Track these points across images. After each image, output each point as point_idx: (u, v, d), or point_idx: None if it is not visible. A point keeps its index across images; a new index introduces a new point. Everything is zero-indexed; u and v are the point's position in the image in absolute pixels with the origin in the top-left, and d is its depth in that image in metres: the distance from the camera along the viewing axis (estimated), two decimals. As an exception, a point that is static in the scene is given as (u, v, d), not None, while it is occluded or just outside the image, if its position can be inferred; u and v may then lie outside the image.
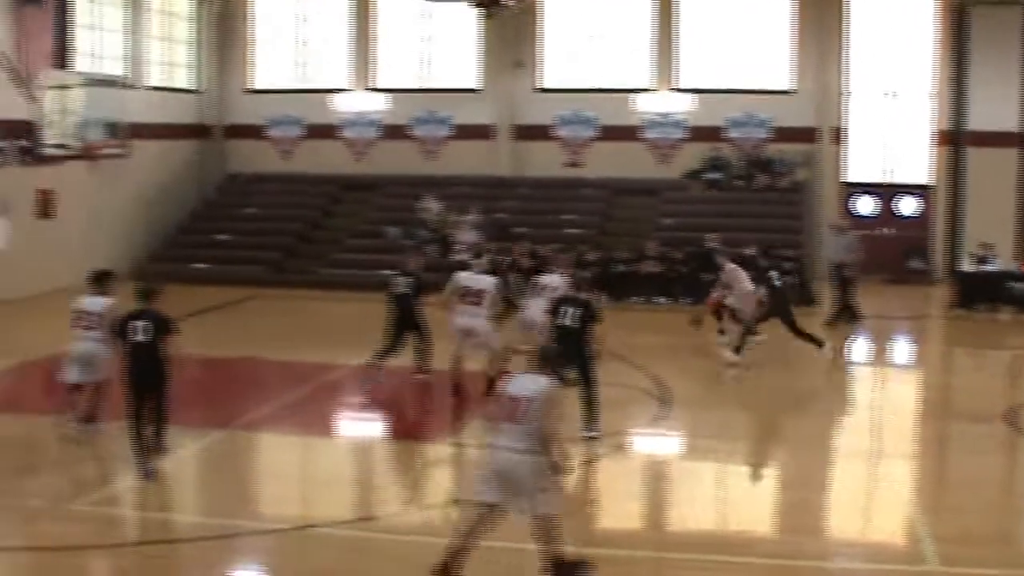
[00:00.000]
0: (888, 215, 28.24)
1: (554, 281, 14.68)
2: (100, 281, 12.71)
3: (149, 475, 11.18)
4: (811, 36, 27.92)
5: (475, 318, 14.54)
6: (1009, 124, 26.94)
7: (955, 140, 27.47)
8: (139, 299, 11.54)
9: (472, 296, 14.61)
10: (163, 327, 11.29)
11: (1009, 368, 19.06)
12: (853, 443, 13.74)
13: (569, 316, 12.50)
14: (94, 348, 12.28)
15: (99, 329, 12.19)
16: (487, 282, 14.87)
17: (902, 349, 21.29)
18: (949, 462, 13.45)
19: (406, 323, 15.11)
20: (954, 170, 27.52)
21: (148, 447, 11.32)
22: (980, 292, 22.84)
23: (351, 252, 26.80)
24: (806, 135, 27.97)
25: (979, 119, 27.09)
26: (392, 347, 15.13)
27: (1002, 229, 26.04)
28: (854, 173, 28.44)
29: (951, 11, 27.25)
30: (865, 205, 28.45)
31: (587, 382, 12.58)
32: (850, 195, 28.42)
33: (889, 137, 28.28)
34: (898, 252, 27.29)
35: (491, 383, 13.57)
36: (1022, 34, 26.85)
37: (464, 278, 14.91)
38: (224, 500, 11.05)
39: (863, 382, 18.28)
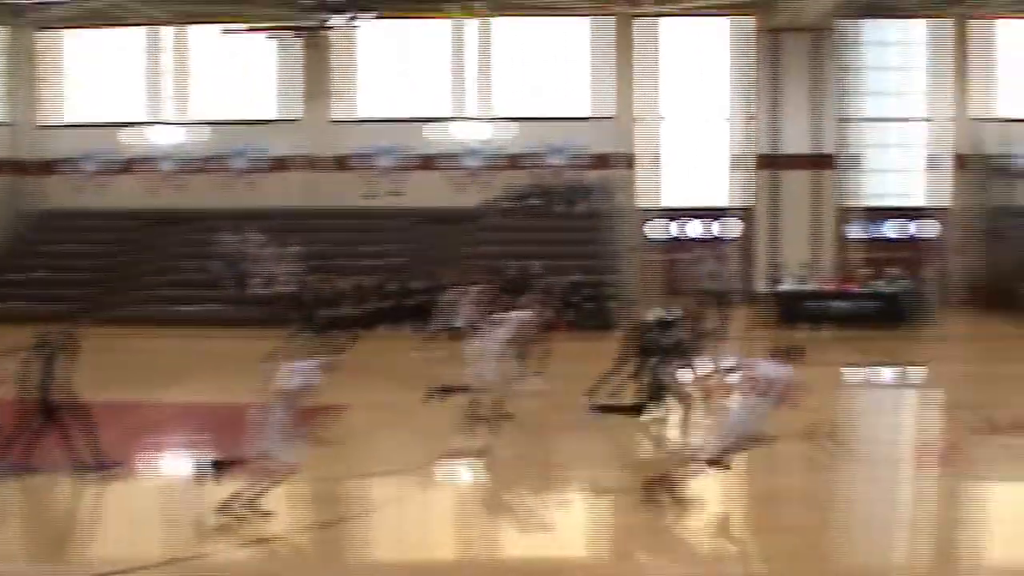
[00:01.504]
0: (691, 239, 29.88)
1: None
2: None
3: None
4: (613, 64, 29.41)
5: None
6: (814, 146, 28.72)
7: (763, 163, 29.30)
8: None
9: None
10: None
11: (819, 385, 19.99)
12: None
13: None
14: None
15: None
16: None
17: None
18: (753, 479, 13.94)
19: None
20: (763, 192, 28.96)
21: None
22: (797, 311, 24.40)
23: (169, 287, 26.89)
24: (612, 162, 29.28)
25: (786, 142, 28.88)
26: None
27: (813, 248, 27.59)
28: (658, 198, 29.96)
29: (758, 37, 29.01)
30: (670, 230, 29.87)
31: None
32: (657, 219, 29.87)
33: (691, 162, 29.88)
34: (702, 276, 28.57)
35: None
36: (824, 58, 28.41)
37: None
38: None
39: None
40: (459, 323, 19.37)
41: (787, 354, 11.58)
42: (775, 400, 11.02)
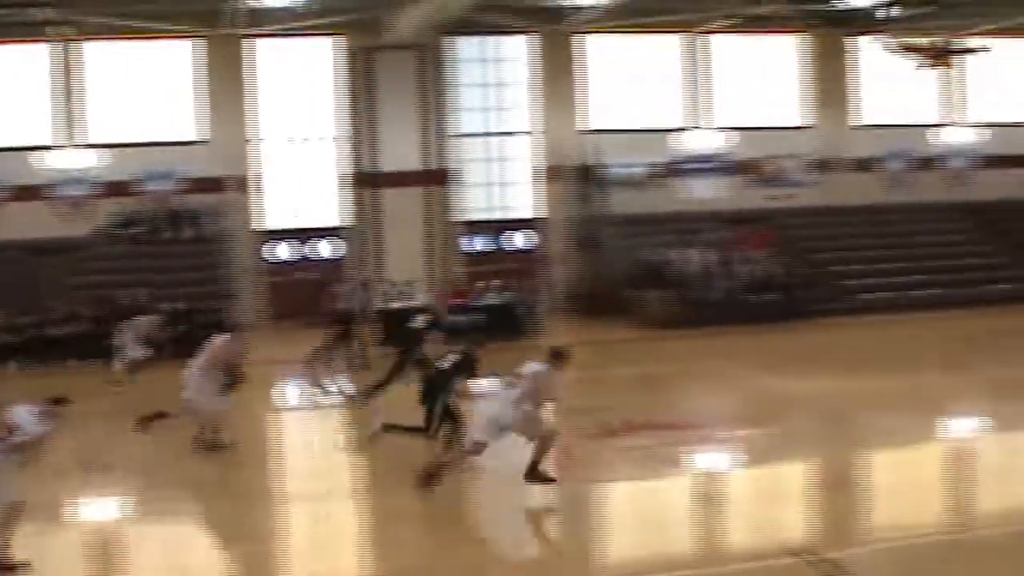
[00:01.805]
0: (305, 259, 30.21)
1: None
2: None
3: None
4: (216, 87, 29.18)
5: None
6: (415, 163, 29.50)
7: (366, 181, 29.65)
8: None
9: None
10: None
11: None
12: (300, 488, 14.43)
13: None
14: None
15: None
16: None
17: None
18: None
19: None
20: (367, 211, 29.58)
21: None
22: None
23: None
24: (219, 184, 29.27)
25: (387, 160, 29.49)
26: None
27: (424, 264, 28.52)
28: (270, 220, 30.01)
29: (353, 56, 29.31)
30: (282, 251, 29.97)
31: None
32: (267, 241, 29.83)
33: (301, 182, 30.16)
34: (318, 296, 28.72)
35: None
36: (420, 76, 29.44)
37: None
38: None
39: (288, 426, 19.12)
40: (134, 354, 20.54)
41: (554, 357, 12.69)
42: (532, 399, 12.47)
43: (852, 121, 33.69)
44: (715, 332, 25.98)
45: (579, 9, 27.97)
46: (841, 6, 28.33)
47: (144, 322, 21.41)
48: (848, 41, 33.12)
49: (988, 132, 34.49)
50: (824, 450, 15.92)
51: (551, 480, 12.79)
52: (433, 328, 17.99)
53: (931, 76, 32.00)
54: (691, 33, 32.08)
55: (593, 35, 31.32)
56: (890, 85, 33.17)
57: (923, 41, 28.99)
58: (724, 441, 16.19)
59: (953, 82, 34.14)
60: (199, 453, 15.09)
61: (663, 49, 32.23)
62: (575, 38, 31.33)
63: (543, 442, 12.63)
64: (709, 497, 13.54)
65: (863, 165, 33.67)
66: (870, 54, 31.44)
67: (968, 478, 14.52)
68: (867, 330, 26.46)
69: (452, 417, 14.11)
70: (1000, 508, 12.57)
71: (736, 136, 32.46)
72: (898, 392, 19.19)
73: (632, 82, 31.96)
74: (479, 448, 12.66)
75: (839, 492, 13.59)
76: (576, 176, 31.22)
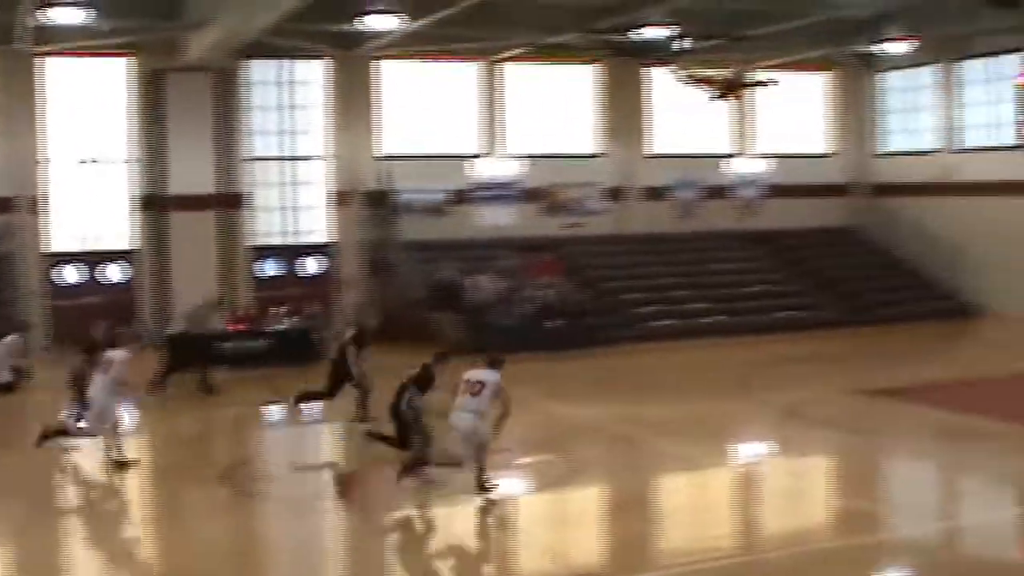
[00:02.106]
0: (94, 283, 30.18)
1: None
2: None
3: None
4: (4, 104, 29.14)
5: None
6: (207, 187, 29.74)
7: (156, 205, 29.94)
8: None
9: None
10: None
11: (232, 426, 21.03)
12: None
13: None
14: None
15: None
16: None
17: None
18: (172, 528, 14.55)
19: None
20: (157, 234, 29.64)
21: None
22: (191, 355, 24.26)
23: None
24: (7, 205, 29.26)
25: (178, 183, 29.71)
26: None
27: (215, 288, 29.02)
28: (56, 242, 29.92)
29: (145, 77, 29.67)
30: (70, 274, 29.98)
31: None
32: (55, 264, 30.00)
33: (91, 204, 30.21)
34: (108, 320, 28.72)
35: None
36: (213, 98, 29.62)
37: None
38: None
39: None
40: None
41: (492, 362, 14.92)
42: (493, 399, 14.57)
43: (645, 150, 35.47)
44: (507, 359, 26.67)
45: (375, 35, 28.65)
46: (635, 37, 29.55)
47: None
48: (642, 71, 34.83)
49: (775, 163, 36.72)
50: (614, 476, 17.02)
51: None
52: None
53: (722, 107, 33.91)
54: (487, 61, 33.33)
55: (389, 61, 32.26)
56: (682, 115, 35.15)
57: (714, 73, 30.64)
58: (517, 467, 16.89)
59: (743, 114, 36.23)
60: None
61: (459, 76, 33.44)
62: (371, 63, 32.20)
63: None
64: (502, 522, 14.36)
65: (655, 194, 35.43)
66: (663, 84, 33.27)
67: (753, 501, 15.89)
68: (657, 357, 27.69)
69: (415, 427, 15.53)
70: (784, 530, 13.98)
71: (530, 164, 33.88)
72: (685, 418, 20.59)
73: (427, 108, 33.10)
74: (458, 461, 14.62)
75: (630, 517, 14.59)
76: (369, 201, 32.15)
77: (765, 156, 36.92)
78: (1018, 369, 24.92)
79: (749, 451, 18.89)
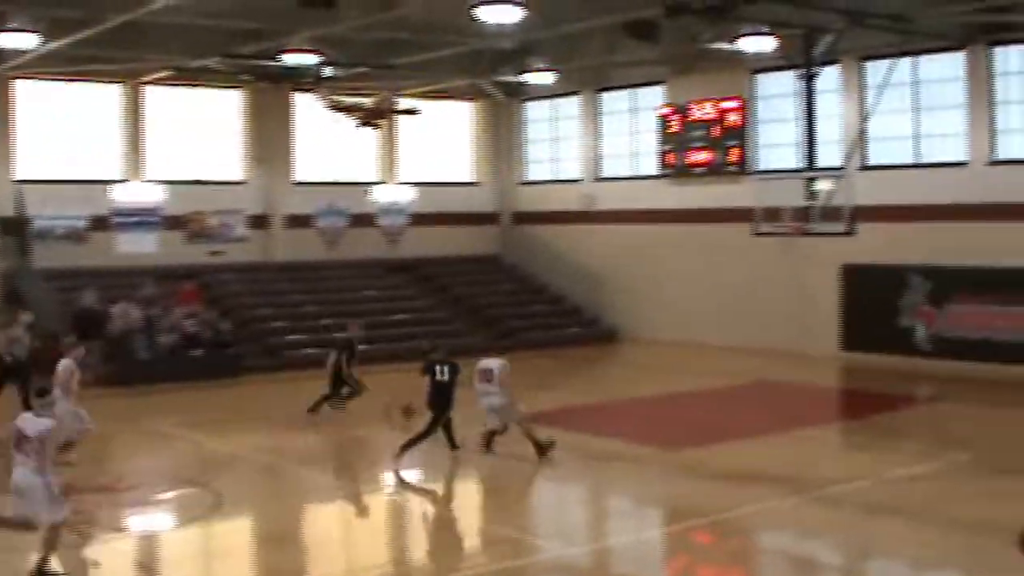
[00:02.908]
0: None
1: None
2: None
3: None
4: None
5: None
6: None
7: None
8: None
9: None
10: None
11: None
12: None
13: None
14: None
15: None
16: None
17: None
18: None
19: None
20: None
21: None
22: None
23: None
24: None
25: None
26: None
27: None
28: None
29: None
30: None
31: None
32: None
33: None
34: None
35: None
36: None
37: None
38: None
39: None
40: None
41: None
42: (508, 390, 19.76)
43: (291, 177, 37.83)
44: (147, 389, 28.00)
45: (12, 53, 29.13)
46: (279, 63, 31.25)
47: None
48: (288, 97, 36.96)
49: (422, 191, 39.87)
50: (260, 507, 17.74)
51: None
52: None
53: (369, 135, 36.54)
54: (131, 84, 34.74)
55: (26, 81, 33.15)
56: (329, 143, 37.53)
57: (359, 101, 32.86)
58: (158, 502, 17.60)
59: (390, 142, 39.03)
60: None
61: (101, 98, 34.73)
62: (8, 83, 32.98)
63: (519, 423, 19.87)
64: (151, 558, 15.20)
65: (301, 221, 37.78)
66: (309, 111, 35.65)
67: (402, 529, 17.06)
68: (300, 385, 27.45)
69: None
70: (434, 557, 15.30)
71: (172, 190, 35.49)
72: (330, 446, 22.42)
73: (68, 131, 34.30)
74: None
75: (277, 549, 15.29)
76: (3, 228, 32.91)
77: (412, 184, 39.82)
78: (651, 392, 27.85)
79: (396, 479, 19.26)
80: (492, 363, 20.10)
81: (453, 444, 19.68)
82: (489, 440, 20.08)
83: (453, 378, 19.39)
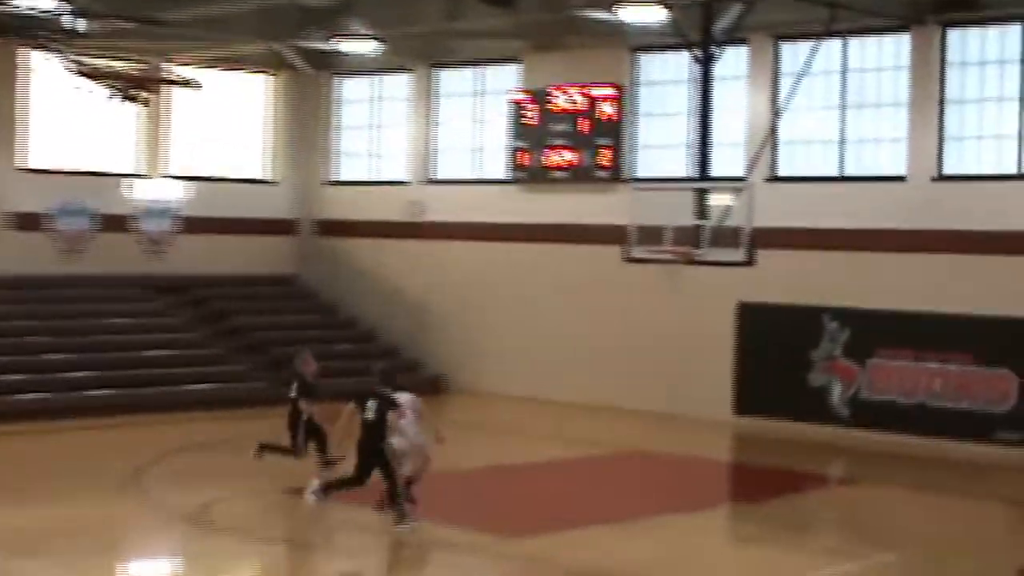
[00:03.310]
0: None
1: None
2: None
3: None
4: None
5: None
6: None
7: None
8: None
9: None
10: None
11: None
12: None
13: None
14: None
15: None
16: None
17: None
18: None
19: None
20: None
21: None
22: None
23: None
24: None
25: None
26: None
27: None
28: None
29: None
30: None
31: None
32: None
33: None
34: None
35: None
36: None
37: None
38: None
39: None
40: None
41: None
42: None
43: (16, 162, 35.14)
44: None
45: None
46: (12, 8, 29.41)
47: None
48: (16, 55, 34.63)
49: (198, 188, 37.58)
50: None
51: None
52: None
53: (129, 112, 34.64)
54: None
55: None
56: (72, 118, 35.43)
57: (119, 66, 31.18)
58: None
59: (158, 122, 36.98)
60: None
61: None
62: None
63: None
64: None
65: (28, 221, 35.22)
66: (47, 75, 33.52)
67: None
68: (22, 442, 27.45)
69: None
70: None
71: None
72: (54, 527, 20.22)
73: None
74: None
75: None
76: None
77: (184, 179, 37.67)
78: (488, 462, 27.17)
79: (138, 571, 19.23)
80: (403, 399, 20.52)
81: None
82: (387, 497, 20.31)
83: (381, 417, 19.66)
